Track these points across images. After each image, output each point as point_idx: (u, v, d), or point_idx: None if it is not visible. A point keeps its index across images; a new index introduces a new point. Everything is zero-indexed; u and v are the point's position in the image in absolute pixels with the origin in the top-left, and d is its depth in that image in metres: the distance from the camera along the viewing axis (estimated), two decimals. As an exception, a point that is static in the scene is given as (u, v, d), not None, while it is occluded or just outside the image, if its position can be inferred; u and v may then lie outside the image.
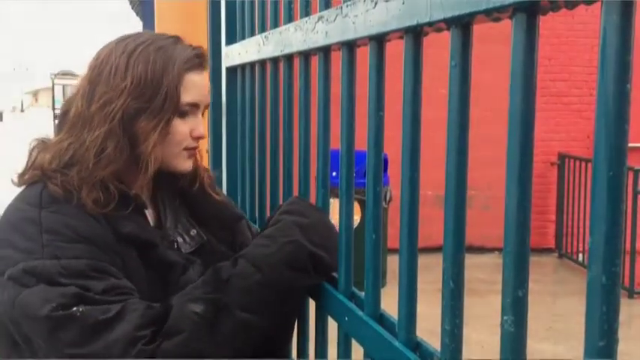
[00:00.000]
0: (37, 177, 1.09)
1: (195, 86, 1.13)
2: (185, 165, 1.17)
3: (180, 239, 1.22)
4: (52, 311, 0.95)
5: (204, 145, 1.55)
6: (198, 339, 0.99)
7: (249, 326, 1.04)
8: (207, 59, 1.19)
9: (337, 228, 1.11)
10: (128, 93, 1.07)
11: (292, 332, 1.28)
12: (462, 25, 0.71)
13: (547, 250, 6.33)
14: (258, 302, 1.05)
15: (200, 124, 1.16)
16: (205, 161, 1.39)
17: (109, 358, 0.95)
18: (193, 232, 1.24)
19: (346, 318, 1.05)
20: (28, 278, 0.98)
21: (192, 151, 1.17)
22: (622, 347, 0.55)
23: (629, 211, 4.61)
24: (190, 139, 1.15)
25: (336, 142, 1.11)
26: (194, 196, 1.26)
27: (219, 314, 1.01)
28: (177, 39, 1.16)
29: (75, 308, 0.96)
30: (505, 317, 0.65)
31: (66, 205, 1.05)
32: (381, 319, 0.97)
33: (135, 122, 1.09)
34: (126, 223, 1.08)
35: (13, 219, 1.05)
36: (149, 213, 1.20)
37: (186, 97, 1.12)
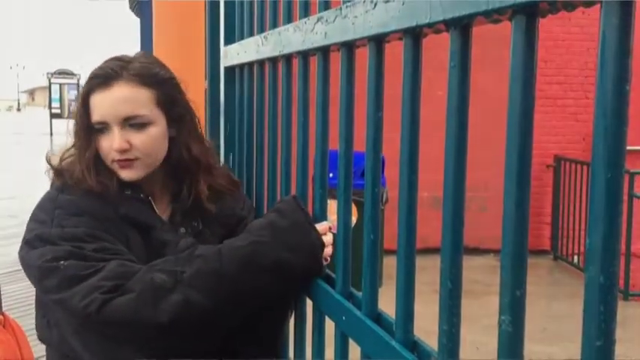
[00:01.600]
0: (55, 169, 1.31)
1: (97, 106, 1.24)
2: (123, 174, 1.27)
3: (182, 230, 1.33)
4: (43, 262, 1.15)
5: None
6: (144, 302, 1.09)
7: (193, 306, 1.10)
8: (112, 74, 1.24)
9: (335, 229, 1.11)
10: (74, 117, 1.30)
11: (271, 335, 1.32)
12: (461, 26, 0.72)
13: (542, 252, 6.34)
14: (208, 287, 1.12)
15: (115, 137, 1.24)
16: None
17: (72, 304, 1.10)
18: (194, 224, 1.35)
19: (344, 317, 1.05)
20: (37, 242, 1.19)
21: (121, 163, 1.26)
22: (617, 349, 0.55)
23: (625, 213, 4.60)
24: (114, 153, 1.25)
25: (333, 144, 1.12)
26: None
27: (175, 286, 1.11)
28: (119, 59, 1.28)
29: (62, 262, 1.14)
30: (503, 317, 0.65)
31: (78, 189, 1.25)
32: (379, 318, 0.98)
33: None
34: (126, 206, 1.26)
35: (42, 200, 1.28)
36: (163, 209, 1.34)
37: (94, 117, 1.25)
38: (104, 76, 1.24)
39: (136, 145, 1.24)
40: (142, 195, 1.30)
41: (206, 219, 1.36)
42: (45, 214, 1.22)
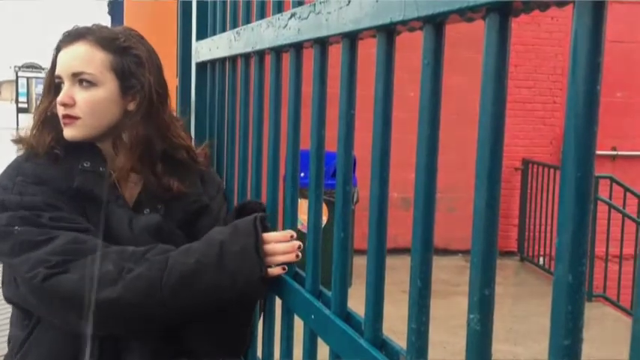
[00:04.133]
0: (18, 137, 1.34)
1: (58, 62, 1.30)
2: (65, 132, 1.28)
3: (147, 210, 1.33)
4: None
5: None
6: (84, 286, 1.13)
7: (124, 305, 1.14)
8: (77, 34, 1.29)
9: (305, 228, 1.11)
10: None
11: (230, 337, 1.30)
12: (435, 24, 0.72)
13: (509, 254, 6.43)
14: (143, 293, 1.14)
15: (62, 92, 1.27)
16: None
17: (20, 272, 1.16)
18: (158, 206, 1.35)
19: (313, 316, 1.05)
20: None
21: (64, 120, 1.28)
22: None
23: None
24: (60, 107, 1.28)
25: (304, 143, 1.11)
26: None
27: (117, 281, 1.14)
28: (95, 24, 1.34)
29: (16, 227, 1.18)
30: (471, 316, 0.65)
31: (40, 159, 1.28)
32: (348, 317, 0.97)
33: None
34: (80, 179, 1.27)
35: (7, 167, 1.30)
36: (131, 188, 1.34)
37: (56, 72, 1.30)
38: (71, 35, 1.30)
39: (79, 102, 1.27)
40: (101, 169, 1.29)
41: (169, 202, 1.35)
42: (7, 180, 1.26)
